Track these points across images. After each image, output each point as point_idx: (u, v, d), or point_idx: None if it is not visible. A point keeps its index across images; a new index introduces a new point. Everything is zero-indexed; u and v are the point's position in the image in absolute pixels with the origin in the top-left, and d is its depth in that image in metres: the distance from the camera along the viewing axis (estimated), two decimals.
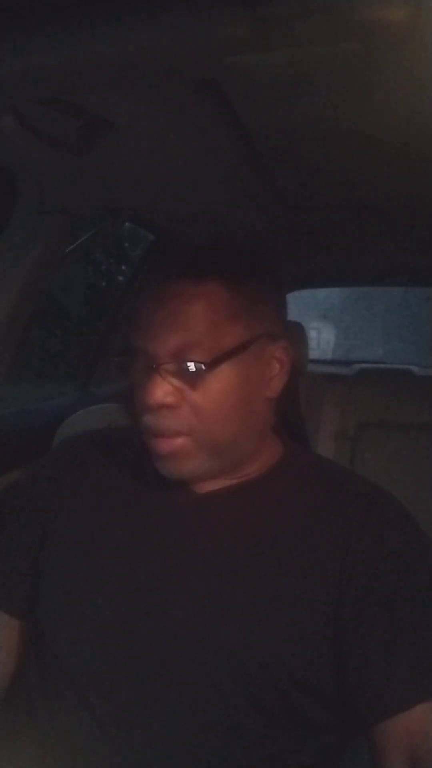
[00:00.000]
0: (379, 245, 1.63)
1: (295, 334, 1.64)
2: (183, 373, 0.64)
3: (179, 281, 0.65)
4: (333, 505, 0.69)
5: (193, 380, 0.64)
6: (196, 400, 0.65)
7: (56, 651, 0.69)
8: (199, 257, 0.69)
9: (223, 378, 0.65)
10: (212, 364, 0.64)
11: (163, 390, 0.64)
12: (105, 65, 0.53)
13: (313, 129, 0.79)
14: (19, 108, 0.71)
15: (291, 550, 0.66)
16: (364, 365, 2.42)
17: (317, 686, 0.64)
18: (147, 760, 0.63)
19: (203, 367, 0.63)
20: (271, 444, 0.75)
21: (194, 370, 0.63)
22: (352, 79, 0.63)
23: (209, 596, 0.65)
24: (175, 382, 0.64)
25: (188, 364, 0.63)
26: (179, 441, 0.65)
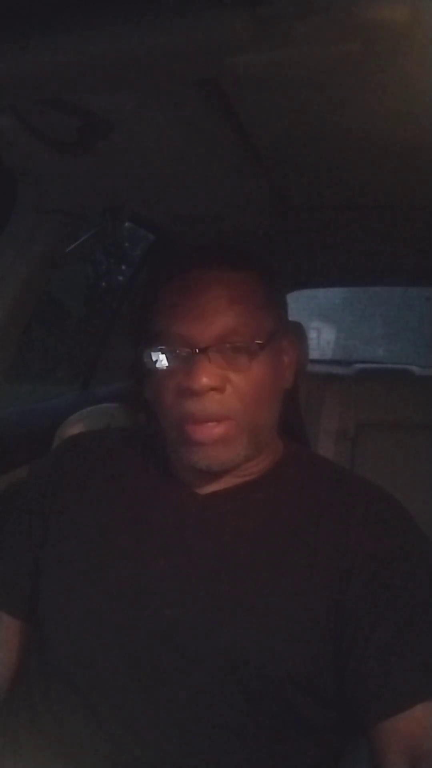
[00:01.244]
0: (379, 245, 1.63)
1: (295, 334, 1.64)
2: (227, 357, 0.65)
3: (221, 268, 0.67)
4: (333, 506, 0.69)
5: (236, 364, 0.65)
6: (240, 384, 0.65)
7: (57, 652, 0.69)
8: (233, 248, 0.71)
9: (262, 363, 0.66)
10: (253, 350, 0.65)
11: (209, 373, 0.64)
12: (105, 65, 0.53)
13: (313, 129, 0.79)
14: (19, 108, 0.71)
15: (291, 550, 0.66)
16: (364, 365, 2.42)
17: (317, 686, 0.64)
18: (148, 759, 0.63)
19: (245, 352, 0.65)
20: (273, 443, 0.75)
21: (236, 354, 0.65)
22: (352, 79, 0.63)
23: (210, 597, 0.65)
24: (218, 366, 0.65)
25: (230, 348, 0.64)
26: (222, 426, 0.65)
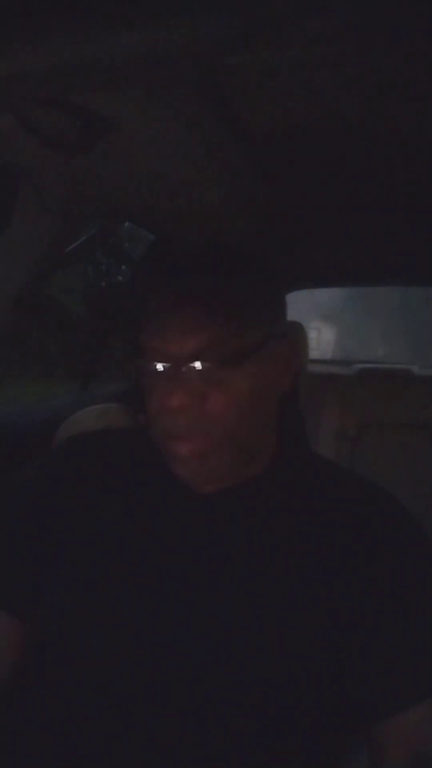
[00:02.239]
0: (379, 245, 1.63)
1: (295, 334, 1.65)
2: (203, 373, 0.63)
3: (197, 281, 0.65)
4: (333, 505, 0.69)
5: (212, 380, 0.64)
6: (218, 399, 0.64)
7: (57, 652, 0.69)
8: (215, 257, 0.70)
9: (242, 377, 0.65)
10: (233, 363, 0.63)
11: (184, 390, 0.63)
12: (105, 65, 0.53)
13: (312, 129, 0.79)
14: (19, 108, 0.71)
15: (291, 551, 0.66)
16: (364, 365, 2.42)
17: (317, 687, 0.64)
18: (148, 760, 0.63)
19: (224, 367, 0.63)
20: (269, 446, 0.75)
21: (214, 370, 0.63)
22: (352, 79, 0.63)
23: (211, 598, 0.65)
24: (196, 382, 0.64)
25: (208, 364, 0.63)
26: (199, 442, 0.65)
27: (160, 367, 0.65)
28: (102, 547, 0.71)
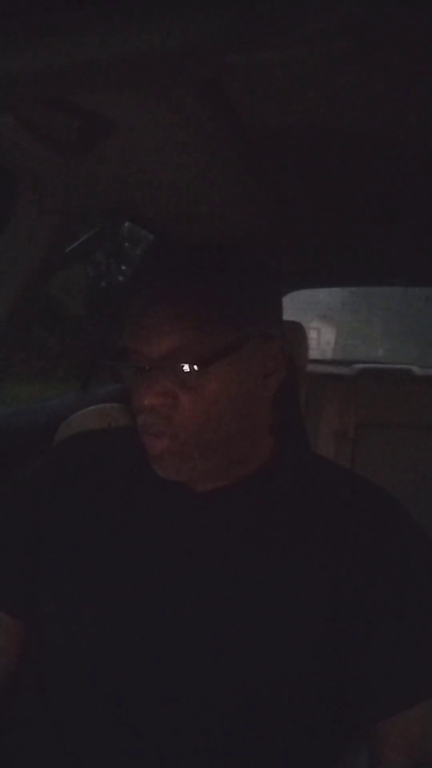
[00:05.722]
0: (379, 245, 1.64)
1: (295, 334, 1.65)
2: (175, 374, 0.64)
3: (171, 282, 0.66)
4: (332, 505, 0.69)
5: (185, 381, 0.64)
6: (189, 401, 0.65)
7: (57, 654, 0.69)
8: (190, 258, 0.70)
9: (216, 378, 0.65)
10: (204, 365, 0.64)
11: (154, 391, 0.64)
12: (105, 65, 0.53)
13: (312, 129, 0.79)
14: (19, 108, 0.71)
15: (290, 551, 0.66)
16: (364, 365, 2.42)
17: (317, 687, 0.64)
18: (148, 761, 0.63)
19: (195, 368, 0.63)
20: (270, 443, 0.75)
21: (186, 371, 0.64)
22: (352, 79, 0.63)
23: (209, 599, 0.65)
24: (168, 383, 0.64)
25: (180, 365, 0.63)
26: (171, 441, 0.66)
27: (136, 367, 0.66)
28: (99, 546, 0.71)
